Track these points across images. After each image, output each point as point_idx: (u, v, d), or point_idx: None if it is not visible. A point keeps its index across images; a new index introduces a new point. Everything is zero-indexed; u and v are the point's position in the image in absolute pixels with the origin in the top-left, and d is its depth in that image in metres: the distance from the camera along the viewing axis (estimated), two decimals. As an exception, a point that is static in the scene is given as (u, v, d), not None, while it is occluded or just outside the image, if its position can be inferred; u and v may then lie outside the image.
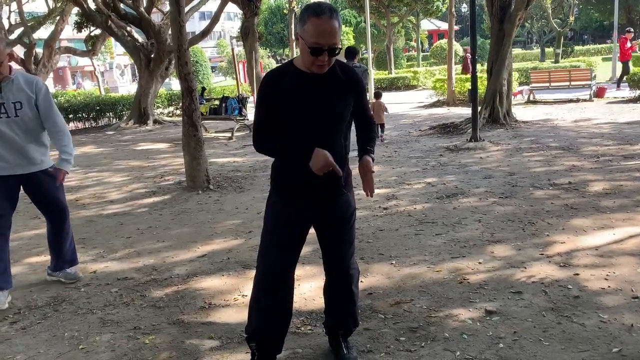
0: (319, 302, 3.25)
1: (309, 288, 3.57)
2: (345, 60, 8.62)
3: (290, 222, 2.43)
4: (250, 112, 13.27)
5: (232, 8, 21.42)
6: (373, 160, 2.51)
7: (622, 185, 5.61)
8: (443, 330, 2.89)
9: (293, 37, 22.82)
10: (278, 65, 2.51)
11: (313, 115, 2.31)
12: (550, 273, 3.55)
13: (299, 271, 3.82)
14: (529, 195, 5.51)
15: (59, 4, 18.41)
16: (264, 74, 2.59)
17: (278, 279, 2.48)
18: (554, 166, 6.82)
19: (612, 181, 5.83)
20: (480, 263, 3.80)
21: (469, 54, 20.65)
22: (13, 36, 19.64)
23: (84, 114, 17.19)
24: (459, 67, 20.35)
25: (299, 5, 31.93)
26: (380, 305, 3.24)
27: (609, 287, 3.28)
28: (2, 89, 3.38)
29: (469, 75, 13.91)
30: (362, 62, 33.19)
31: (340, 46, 2.26)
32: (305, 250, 4.07)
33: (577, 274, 3.49)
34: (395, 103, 14.09)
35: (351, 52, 8.69)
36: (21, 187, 3.62)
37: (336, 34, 2.20)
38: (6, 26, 19.47)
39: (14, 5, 19.59)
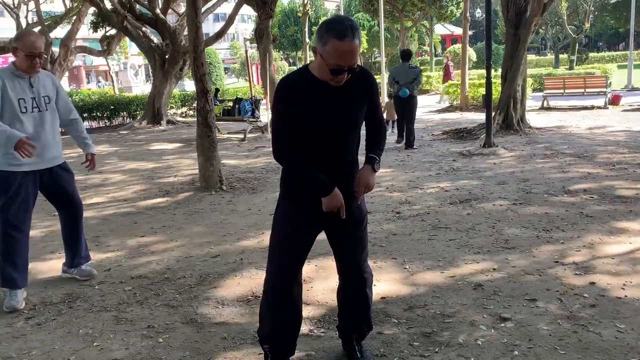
0: (332, 304, 3.25)
1: (322, 291, 3.56)
2: (401, 61, 9.86)
3: (301, 226, 2.43)
4: (262, 114, 13.33)
5: (246, 10, 21.54)
6: (375, 170, 2.43)
7: (638, 194, 5.55)
8: (457, 336, 2.88)
9: (308, 41, 22.86)
10: (293, 70, 2.49)
11: (326, 121, 2.30)
12: (565, 281, 3.51)
13: (312, 274, 3.84)
14: (544, 202, 5.47)
15: (76, 4, 18.60)
16: (277, 77, 2.57)
17: (287, 281, 2.49)
18: (569, 173, 6.76)
19: (627, 189, 5.77)
20: (494, 269, 3.78)
21: (450, 62, 20.58)
22: (30, 35, 19.85)
23: (98, 113, 17.36)
24: (473, 72, 20.29)
25: (313, 9, 32.01)
26: (393, 310, 3.23)
27: (625, 296, 3.24)
28: (32, 83, 3.48)
29: (483, 81, 13.90)
30: (375, 65, 33.13)
31: (359, 63, 2.26)
32: (318, 253, 4.09)
33: (594, 283, 3.45)
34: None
35: (407, 54, 9.87)
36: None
37: (357, 53, 2.19)
38: (24, 25, 19.73)
39: (31, 5, 19.82)
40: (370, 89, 2.41)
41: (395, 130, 10.57)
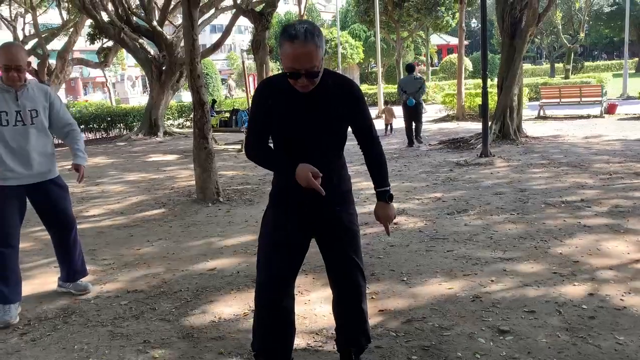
0: (329, 318, 3.22)
1: (319, 303, 3.53)
2: (407, 73, 11.62)
3: (288, 236, 2.40)
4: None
5: (243, 21, 21.64)
6: (389, 202, 2.46)
7: (635, 204, 5.55)
8: (455, 350, 2.85)
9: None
10: (273, 75, 2.48)
11: (298, 127, 2.29)
12: (564, 292, 3.50)
13: (309, 286, 3.81)
14: (541, 212, 5.47)
15: (73, 16, 18.66)
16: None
17: (277, 293, 2.44)
18: (566, 183, 6.77)
19: (625, 199, 5.77)
20: (492, 281, 3.76)
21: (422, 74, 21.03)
22: (27, 47, 19.90)
23: (95, 125, 17.36)
24: (469, 82, 20.37)
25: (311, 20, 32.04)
26: (391, 323, 3.20)
27: (624, 307, 3.22)
28: (18, 97, 3.42)
29: (479, 91, 14.00)
30: (371, 75, 33.29)
31: (318, 69, 2.18)
32: (314, 264, 4.07)
33: (592, 294, 3.44)
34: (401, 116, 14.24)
35: (411, 67, 11.80)
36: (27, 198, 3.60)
37: (312, 57, 2.12)
38: (21, 37, 19.77)
39: (28, 17, 19.88)
40: (352, 104, 2.35)
41: (391, 133, 13.51)
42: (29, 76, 3.55)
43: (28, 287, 4.03)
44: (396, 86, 26.51)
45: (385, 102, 15.30)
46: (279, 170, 2.39)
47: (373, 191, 2.51)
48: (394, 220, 4.91)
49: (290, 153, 2.33)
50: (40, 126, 3.52)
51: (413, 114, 11.27)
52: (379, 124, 11.88)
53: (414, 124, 11.36)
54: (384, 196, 2.45)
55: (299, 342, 2.95)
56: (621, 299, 3.34)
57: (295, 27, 2.13)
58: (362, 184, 7.09)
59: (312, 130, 2.31)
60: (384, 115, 14.41)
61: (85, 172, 3.78)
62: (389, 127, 13.93)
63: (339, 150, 2.44)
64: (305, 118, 2.29)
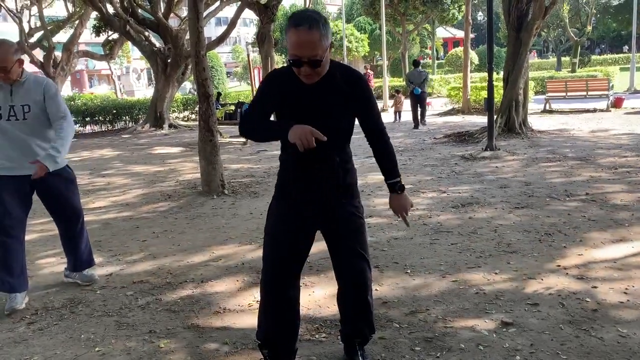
0: (333, 309, 3.24)
1: (322, 295, 3.56)
2: (413, 68, 13.99)
3: (293, 228, 2.41)
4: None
5: (248, 14, 21.60)
6: (401, 192, 2.48)
7: (641, 198, 5.54)
8: (459, 341, 2.87)
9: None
10: (283, 65, 2.48)
11: (301, 118, 2.26)
12: (567, 285, 3.51)
13: (313, 279, 3.83)
14: (546, 206, 5.46)
15: (79, 8, 18.68)
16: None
17: (282, 284, 2.46)
18: (571, 177, 6.75)
19: (630, 193, 5.75)
20: (496, 274, 3.77)
21: (369, 71, 21.92)
22: (33, 39, 19.97)
23: (100, 117, 17.41)
24: (475, 75, 20.30)
25: (315, 12, 31.90)
26: (395, 315, 3.22)
27: (627, 300, 3.23)
28: (13, 92, 3.42)
29: (484, 84, 14.02)
30: (376, 69, 33.38)
31: (321, 58, 2.16)
32: (319, 257, 4.09)
33: (595, 287, 3.44)
34: (408, 110, 14.22)
35: (417, 62, 14.20)
36: (34, 191, 3.62)
37: (316, 46, 2.12)
38: (26, 29, 19.80)
39: (34, 9, 19.91)
40: (359, 97, 2.35)
41: (400, 120, 15.21)
42: (34, 68, 3.55)
43: (35, 278, 4.08)
44: (401, 79, 26.62)
45: (397, 91, 16.16)
46: (275, 133, 2.30)
47: (379, 184, 2.53)
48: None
49: (293, 145, 2.32)
50: (36, 120, 3.47)
51: (418, 101, 13.53)
52: (385, 117, 11.95)
53: (419, 110, 13.55)
54: (394, 187, 2.47)
55: (303, 332, 2.97)
56: (625, 292, 3.34)
57: (301, 15, 2.16)
58: (367, 177, 7.09)
59: (315, 122, 2.26)
60: (393, 107, 15.88)
61: (42, 172, 3.36)
62: (398, 115, 15.37)
63: (344, 142, 2.43)
64: (309, 109, 2.29)
